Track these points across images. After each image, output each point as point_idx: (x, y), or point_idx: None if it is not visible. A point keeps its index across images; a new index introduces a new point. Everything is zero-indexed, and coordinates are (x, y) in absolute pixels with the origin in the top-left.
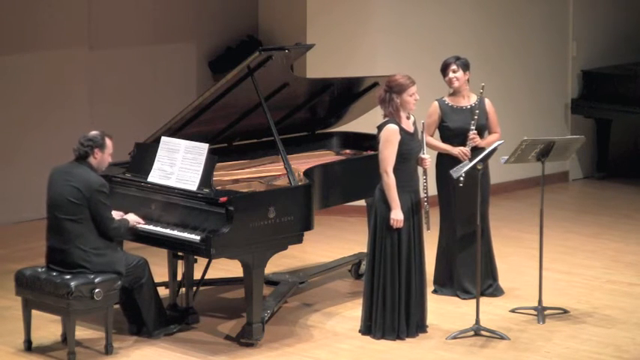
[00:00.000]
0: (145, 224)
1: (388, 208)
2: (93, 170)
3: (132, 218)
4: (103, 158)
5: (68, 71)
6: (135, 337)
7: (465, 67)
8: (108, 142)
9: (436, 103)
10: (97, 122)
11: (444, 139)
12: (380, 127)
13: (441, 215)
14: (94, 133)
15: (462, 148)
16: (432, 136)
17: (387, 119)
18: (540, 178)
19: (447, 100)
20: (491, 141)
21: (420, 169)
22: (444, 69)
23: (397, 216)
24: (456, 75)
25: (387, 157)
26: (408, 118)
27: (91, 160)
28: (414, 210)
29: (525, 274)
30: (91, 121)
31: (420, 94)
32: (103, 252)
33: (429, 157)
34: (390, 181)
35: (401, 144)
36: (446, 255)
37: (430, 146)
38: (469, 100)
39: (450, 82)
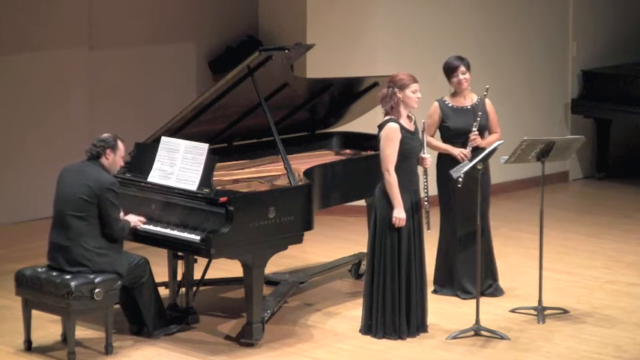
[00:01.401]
0: (145, 224)
1: (389, 207)
2: (105, 170)
3: (133, 219)
4: (114, 160)
5: (68, 71)
6: (135, 337)
7: (469, 67)
8: (120, 144)
9: (436, 103)
10: (97, 122)
11: (444, 140)
12: (380, 126)
13: (441, 215)
14: (106, 135)
15: (462, 149)
16: (432, 136)
17: (387, 118)
18: (540, 178)
19: (448, 100)
20: (491, 141)
21: (420, 169)
22: (453, 70)
23: (400, 214)
24: (466, 76)
25: (388, 156)
26: (409, 117)
27: (103, 160)
28: (414, 209)
29: (525, 274)
30: (90, 121)
31: (420, 94)
32: (105, 252)
33: (429, 157)
34: (391, 179)
35: (402, 143)
36: (446, 255)
37: (430, 146)
38: (470, 100)
39: (459, 84)
